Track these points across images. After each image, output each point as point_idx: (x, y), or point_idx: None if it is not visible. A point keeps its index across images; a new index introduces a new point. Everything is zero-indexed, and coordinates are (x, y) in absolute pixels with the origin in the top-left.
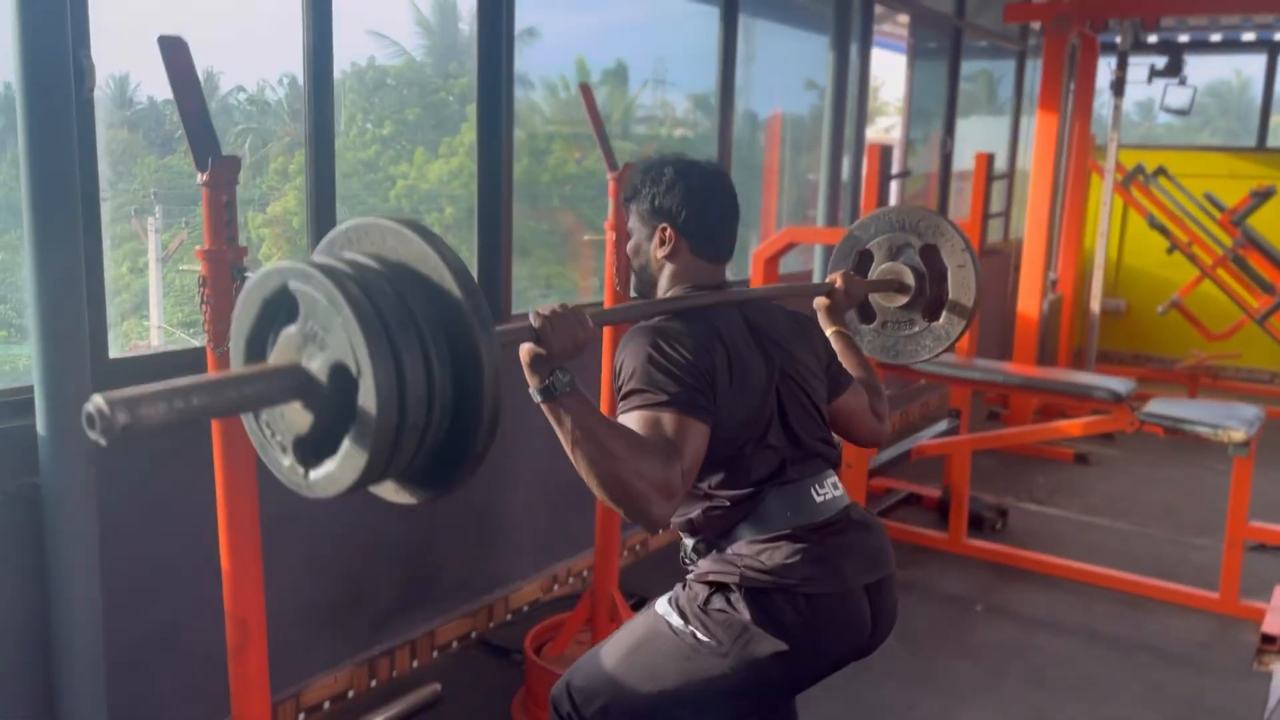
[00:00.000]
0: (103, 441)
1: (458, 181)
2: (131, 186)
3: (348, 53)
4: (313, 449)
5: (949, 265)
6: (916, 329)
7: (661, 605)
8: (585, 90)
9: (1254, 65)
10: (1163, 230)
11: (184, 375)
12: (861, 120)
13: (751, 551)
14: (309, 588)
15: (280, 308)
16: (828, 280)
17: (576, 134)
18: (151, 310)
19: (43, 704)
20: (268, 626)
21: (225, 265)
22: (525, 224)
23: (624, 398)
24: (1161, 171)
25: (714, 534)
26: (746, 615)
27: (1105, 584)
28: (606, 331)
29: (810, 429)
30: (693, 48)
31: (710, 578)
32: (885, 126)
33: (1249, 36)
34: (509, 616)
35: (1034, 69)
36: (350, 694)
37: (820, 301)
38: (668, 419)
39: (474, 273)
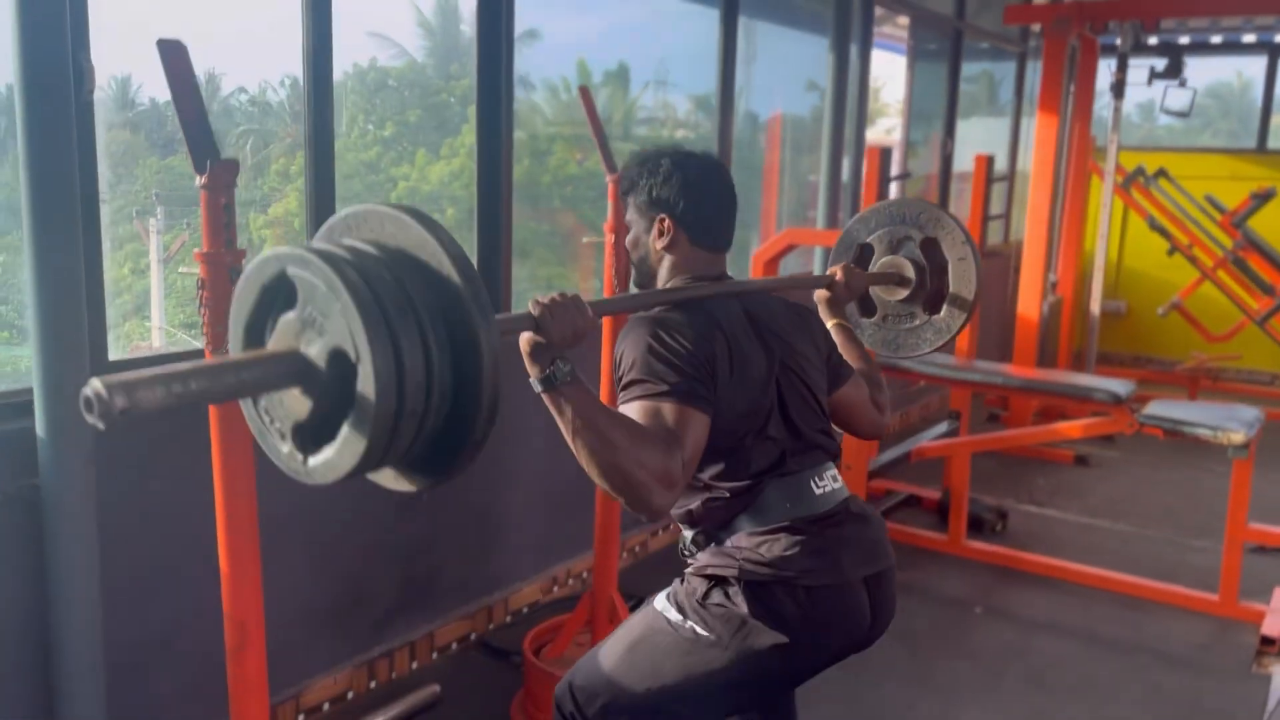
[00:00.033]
0: (101, 425)
1: (459, 183)
2: (133, 188)
3: (349, 54)
4: (311, 435)
5: (949, 258)
6: (917, 322)
7: (660, 601)
8: (584, 93)
9: (1255, 67)
10: (1163, 232)
11: None
12: (862, 122)
13: (750, 544)
14: (309, 589)
15: (279, 294)
16: (828, 273)
17: (578, 135)
18: (153, 311)
19: (42, 705)
20: (267, 628)
21: (224, 268)
22: (526, 225)
23: (624, 388)
24: (1162, 173)
25: (713, 525)
26: (745, 608)
27: (1105, 586)
28: (606, 323)
29: (810, 421)
30: (694, 49)
31: (709, 571)
32: (886, 128)
33: (1249, 38)
34: (508, 618)
35: (1034, 70)
36: (350, 695)
37: (821, 294)
38: (668, 409)
39: None
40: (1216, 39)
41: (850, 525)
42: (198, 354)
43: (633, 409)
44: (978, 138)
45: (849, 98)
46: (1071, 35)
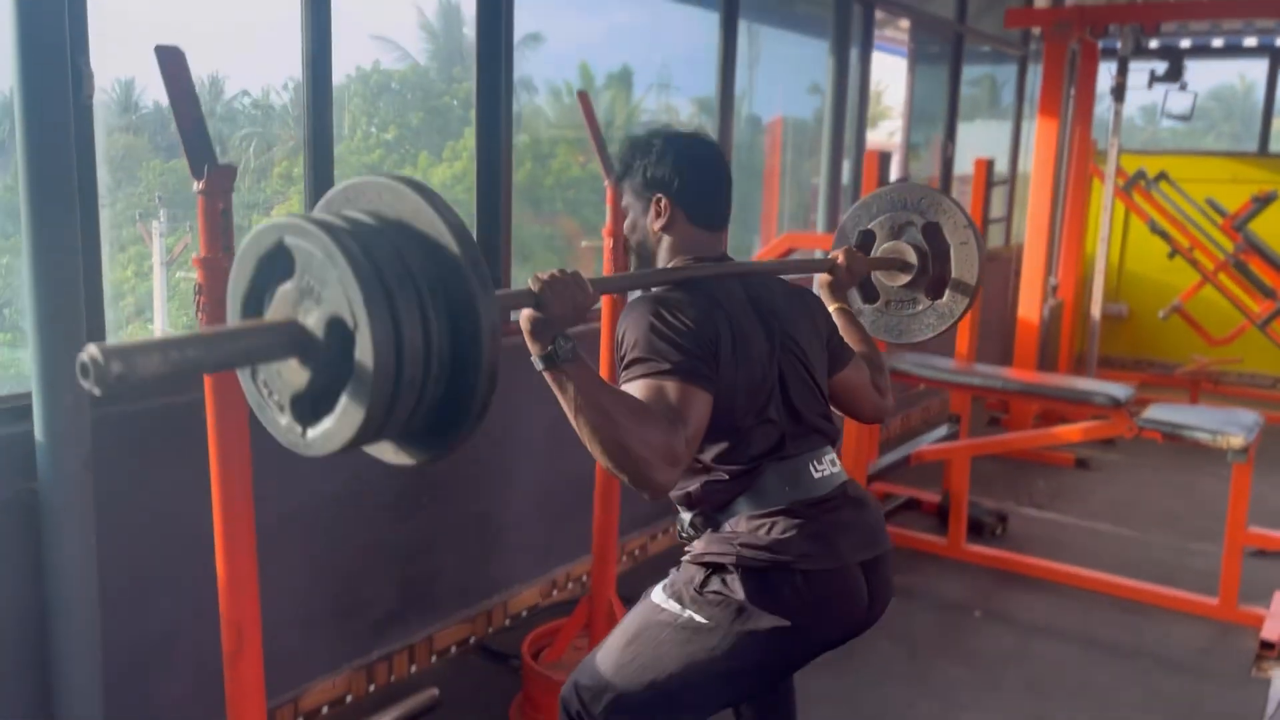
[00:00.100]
0: (97, 391)
1: (461, 186)
2: (136, 190)
3: (352, 57)
4: (310, 407)
5: (951, 243)
6: (920, 308)
7: (657, 594)
8: (583, 98)
9: (1257, 70)
10: (1164, 235)
11: (182, 383)
12: (862, 125)
13: (748, 527)
14: (308, 592)
15: (276, 264)
16: (830, 257)
17: (580, 139)
18: (156, 314)
19: (41, 708)
20: (266, 631)
21: (221, 273)
22: (529, 228)
23: (626, 367)
24: (1163, 176)
25: (711, 507)
26: (743, 595)
27: (1104, 590)
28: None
29: (810, 404)
30: (696, 52)
31: (706, 559)
32: (888, 131)
33: (1250, 41)
34: (507, 622)
35: (1035, 74)
36: (348, 699)
37: (822, 278)
38: (671, 387)
39: None
40: (1218, 42)
41: (848, 510)
42: None
43: (635, 387)
44: (980, 141)
45: (849, 101)
46: (1072, 39)
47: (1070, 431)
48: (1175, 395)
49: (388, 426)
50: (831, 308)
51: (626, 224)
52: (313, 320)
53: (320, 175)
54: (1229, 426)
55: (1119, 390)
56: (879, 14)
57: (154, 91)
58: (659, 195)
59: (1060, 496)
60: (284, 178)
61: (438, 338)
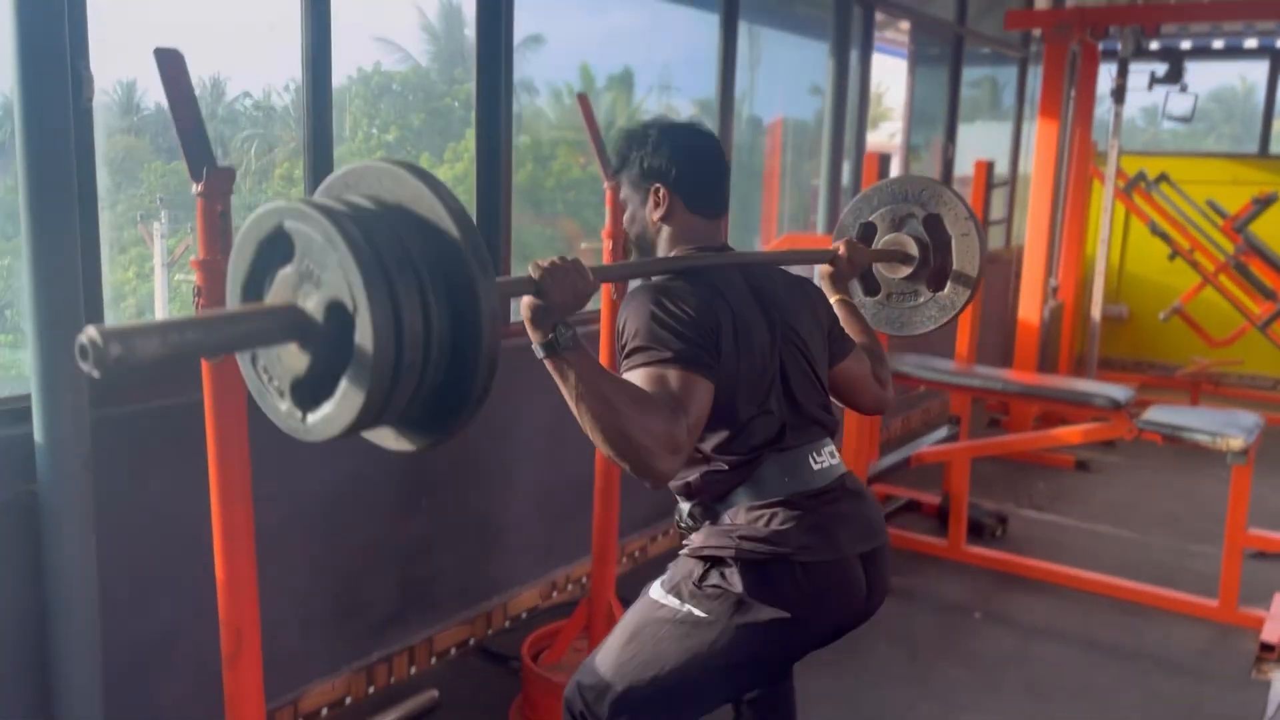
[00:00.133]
0: (95, 373)
1: (463, 187)
2: (138, 192)
3: (353, 58)
4: (310, 392)
5: (953, 234)
6: (921, 300)
7: (655, 590)
8: (583, 100)
9: (1258, 71)
10: (1164, 237)
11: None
12: (862, 126)
13: (747, 518)
14: (307, 593)
15: (276, 249)
16: (831, 247)
17: (581, 140)
18: (157, 315)
19: (41, 709)
20: (265, 633)
21: (220, 275)
22: (530, 229)
23: (628, 355)
24: (1163, 178)
25: (711, 498)
26: (742, 588)
27: (1105, 591)
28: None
29: (810, 395)
30: (696, 53)
31: (704, 552)
32: (889, 132)
33: (1251, 43)
34: (507, 623)
35: (1036, 75)
36: (348, 700)
37: (824, 269)
38: (672, 375)
39: None
40: (1218, 44)
41: (846, 501)
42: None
43: (637, 376)
44: (980, 142)
45: (849, 103)
46: (1072, 40)
47: (1070, 433)
48: (1176, 397)
49: (387, 411)
50: (833, 299)
51: (626, 216)
52: (312, 304)
53: (321, 177)
54: (1229, 428)
55: (1119, 392)
56: (879, 16)
57: (155, 93)
58: (657, 185)
59: (1060, 498)
60: (285, 179)
61: (438, 322)
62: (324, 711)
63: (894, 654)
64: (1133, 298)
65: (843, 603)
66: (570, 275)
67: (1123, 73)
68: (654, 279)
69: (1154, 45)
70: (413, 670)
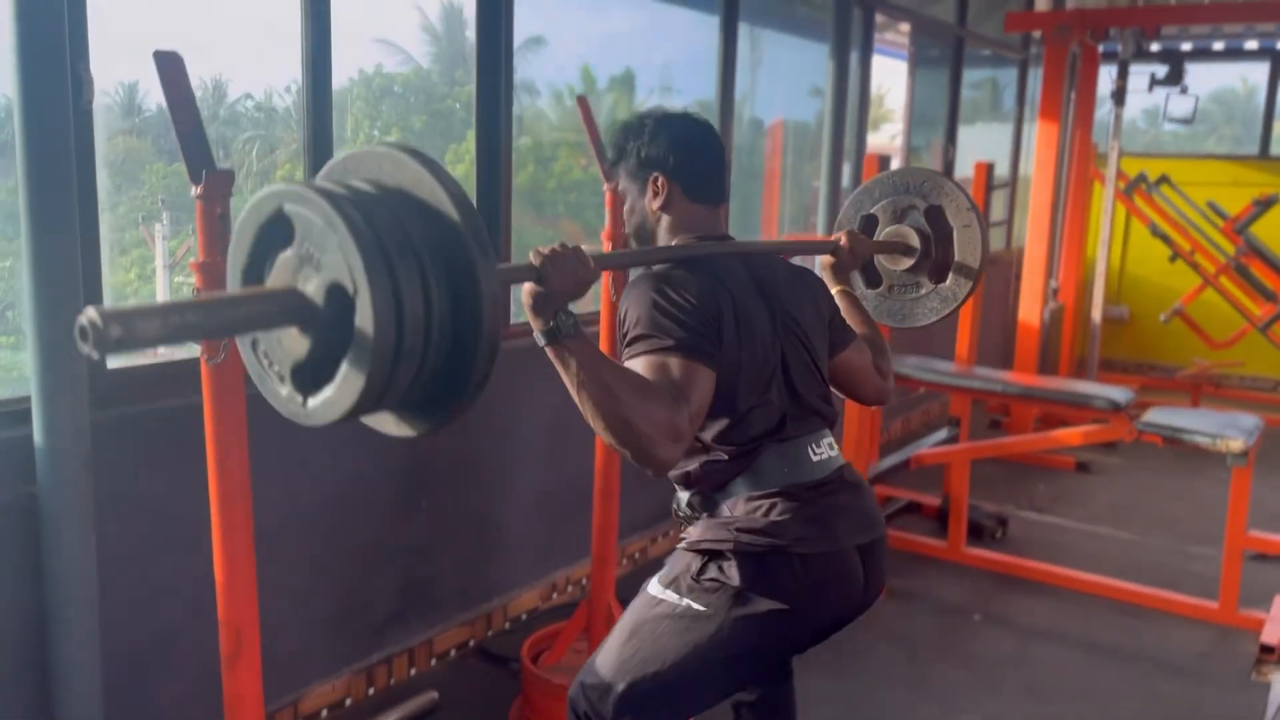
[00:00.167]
0: (95, 355)
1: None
2: (140, 193)
3: (355, 60)
4: (310, 376)
5: (954, 226)
6: (923, 291)
7: (654, 586)
8: (582, 103)
9: (1260, 73)
10: (1165, 239)
11: (180, 387)
12: (863, 128)
13: (745, 509)
14: (307, 595)
15: (276, 234)
16: (832, 238)
17: (583, 141)
18: None
19: (41, 711)
20: (265, 635)
21: (220, 278)
22: (531, 230)
23: (629, 344)
24: (1164, 179)
25: (710, 487)
26: (740, 580)
27: (1104, 593)
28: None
29: (811, 386)
30: (697, 55)
31: (702, 546)
32: (890, 134)
33: (1251, 45)
34: (507, 625)
35: (1036, 77)
36: (348, 702)
37: (825, 260)
38: (674, 363)
39: None
40: (1219, 45)
41: (845, 493)
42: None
43: (638, 364)
44: (981, 143)
45: (850, 104)
46: (1072, 42)
47: (1070, 435)
48: (1177, 398)
49: (388, 395)
50: (834, 290)
51: (625, 208)
52: (312, 287)
53: None
54: (1229, 430)
55: (1118, 394)
56: (879, 18)
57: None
58: (655, 174)
59: (1060, 500)
60: (287, 181)
61: (438, 305)
62: (324, 713)
63: (894, 655)
64: (1133, 299)
65: (841, 594)
66: (571, 262)
67: (1123, 74)
68: (655, 267)
69: (1154, 47)
70: (413, 672)
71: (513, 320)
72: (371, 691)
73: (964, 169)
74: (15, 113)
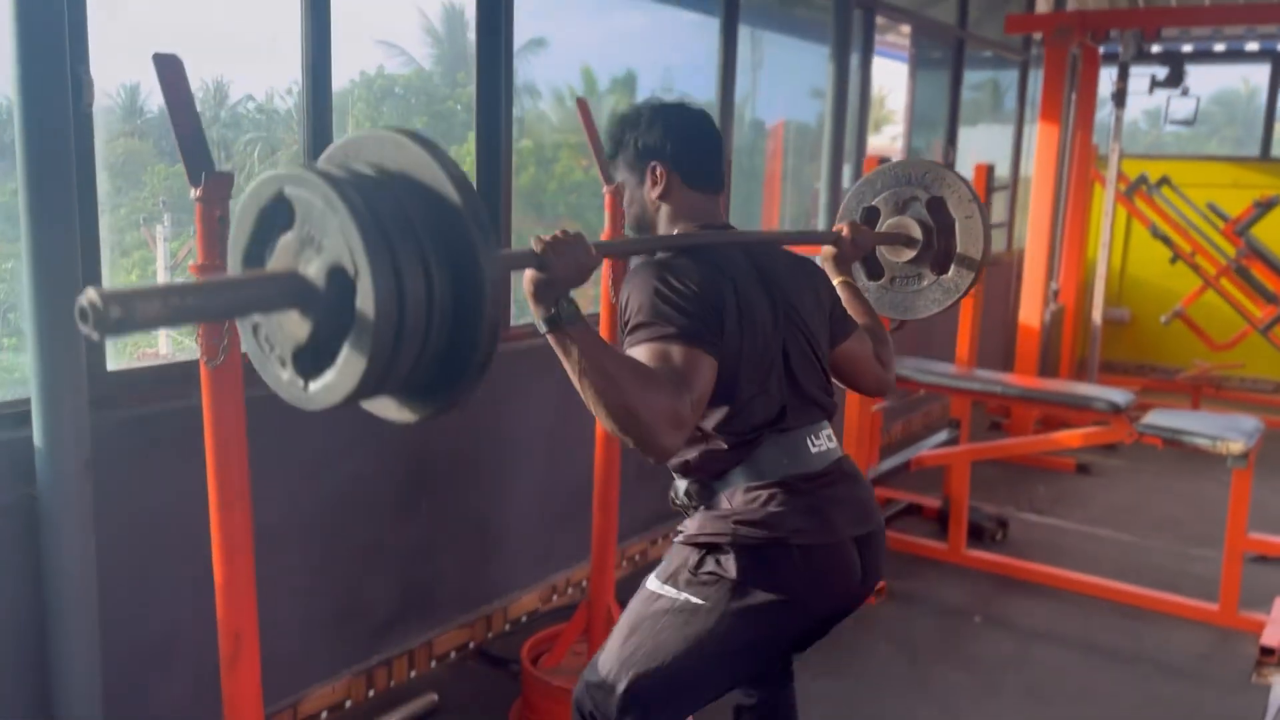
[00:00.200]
0: (95, 335)
1: None
2: (141, 195)
3: (356, 62)
4: (312, 359)
5: (956, 217)
6: (925, 283)
7: (652, 582)
8: (582, 105)
9: (1261, 74)
10: (1165, 240)
11: (180, 389)
12: (863, 129)
13: (744, 500)
14: (307, 597)
15: (277, 217)
16: (834, 229)
17: (583, 143)
18: None
19: (40, 714)
20: (265, 637)
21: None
22: (532, 232)
23: (631, 331)
24: (1165, 181)
25: (708, 476)
26: (739, 573)
27: (1105, 595)
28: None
29: (811, 377)
30: (698, 57)
31: (700, 539)
32: (892, 135)
33: (1252, 46)
34: (507, 627)
35: (1037, 79)
36: (348, 704)
37: (827, 251)
38: (676, 351)
39: None
40: (1219, 47)
41: (843, 485)
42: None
43: (640, 351)
44: (982, 145)
45: (850, 106)
46: (1073, 44)
47: (1070, 437)
48: (1177, 400)
49: (389, 379)
50: (836, 281)
51: (625, 200)
52: (313, 270)
53: None
54: (1229, 432)
55: (1118, 396)
56: (880, 19)
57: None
58: (654, 163)
59: (1061, 502)
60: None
61: (439, 287)
62: (323, 715)
63: (894, 657)
64: (1134, 301)
65: (839, 586)
66: (573, 249)
67: (1123, 76)
68: (657, 255)
69: (1155, 49)
70: (412, 674)
71: (514, 322)
72: (371, 693)
73: (964, 170)
74: (15, 115)
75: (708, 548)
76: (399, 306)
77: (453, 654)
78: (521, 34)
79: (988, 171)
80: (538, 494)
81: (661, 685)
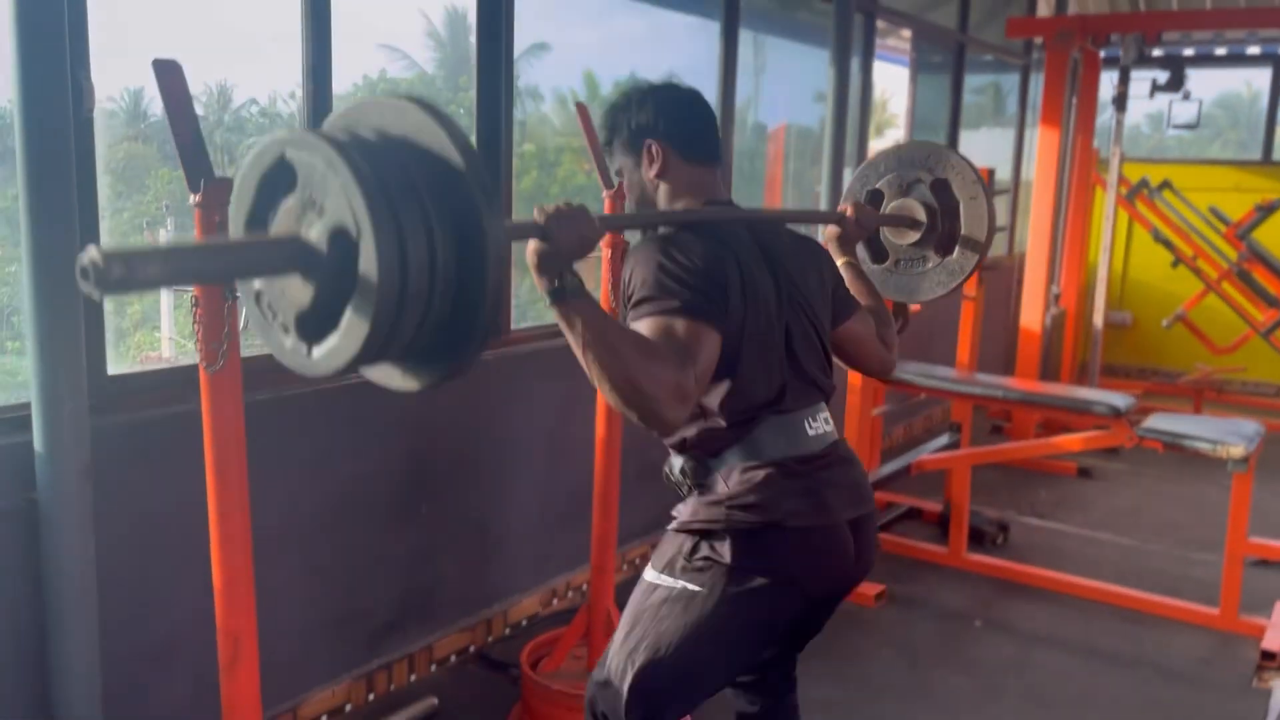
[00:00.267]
0: (96, 294)
1: None
2: (144, 199)
3: (358, 65)
4: (314, 325)
5: (961, 199)
6: (929, 265)
7: (649, 574)
8: (581, 110)
9: (1264, 77)
10: (1167, 244)
11: (179, 393)
12: (864, 133)
13: (739, 480)
14: (307, 601)
15: (279, 182)
16: (838, 209)
17: (585, 146)
18: (163, 322)
19: (40, 716)
20: (264, 640)
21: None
22: None
23: (634, 305)
24: (1166, 185)
25: (704, 453)
26: (734, 557)
27: (1106, 599)
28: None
29: (811, 357)
30: (699, 61)
31: (694, 526)
32: (894, 139)
33: (1254, 50)
34: (507, 631)
35: (1038, 83)
36: (348, 708)
37: (831, 231)
38: (680, 324)
39: None
40: (1221, 51)
41: (839, 468)
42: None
43: (644, 325)
44: (984, 149)
45: (850, 110)
46: (1073, 48)
47: (1071, 441)
48: (1179, 404)
49: (393, 343)
50: (840, 262)
51: (625, 185)
52: (315, 233)
53: None
54: (1229, 436)
55: (1119, 400)
56: (880, 23)
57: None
58: (649, 141)
59: (1061, 506)
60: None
61: (443, 249)
62: (323, 718)
63: (894, 662)
64: (1136, 305)
65: (833, 567)
66: (576, 220)
67: (1124, 80)
68: (660, 231)
69: (1156, 52)
70: (412, 678)
71: (514, 326)
72: (371, 697)
73: None
74: (15, 119)
75: (702, 534)
76: (401, 269)
77: (453, 658)
78: (523, 38)
79: (989, 175)
80: (538, 497)
81: (665, 676)
